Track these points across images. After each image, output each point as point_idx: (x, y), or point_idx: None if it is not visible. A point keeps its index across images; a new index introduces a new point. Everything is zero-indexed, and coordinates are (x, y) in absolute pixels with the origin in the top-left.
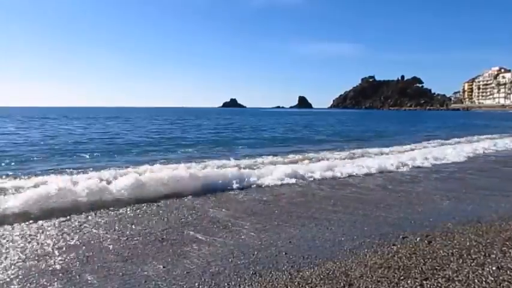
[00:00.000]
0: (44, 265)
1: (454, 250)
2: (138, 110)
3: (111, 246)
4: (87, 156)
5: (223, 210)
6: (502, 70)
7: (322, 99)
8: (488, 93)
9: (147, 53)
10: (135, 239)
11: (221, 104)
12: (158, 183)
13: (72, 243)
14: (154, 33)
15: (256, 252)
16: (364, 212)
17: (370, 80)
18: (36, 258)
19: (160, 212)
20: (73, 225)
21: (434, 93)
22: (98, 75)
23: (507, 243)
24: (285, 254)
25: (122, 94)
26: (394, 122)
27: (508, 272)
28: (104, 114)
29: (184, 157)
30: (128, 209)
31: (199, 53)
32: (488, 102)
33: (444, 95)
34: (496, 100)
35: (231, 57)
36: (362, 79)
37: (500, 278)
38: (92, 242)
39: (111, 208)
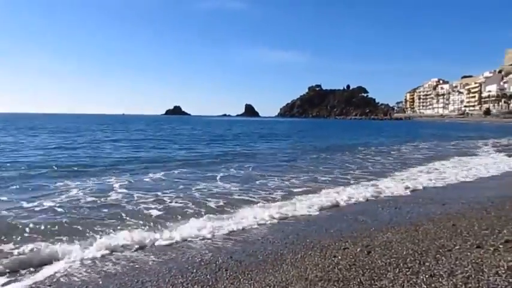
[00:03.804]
0: None
1: (392, 259)
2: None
3: None
4: None
5: None
6: (441, 81)
7: (269, 108)
8: (428, 103)
9: (86, 57)
10: None
11: (164, 112)
12: None
13: None
14: (92, 36)
15: (195, 270)
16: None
17: (317, 88)
18: None
19: None
20: None
21: (378, 103)
22: (39, 81)
23: (440, 250)
24: (225, 270)
25: (63, 99)
26: (362, 132)
27: (440, 279)
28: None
29: None
30: None
31: (139, 57)
32: (428, 111)
33: (388, 104)
34: (436, 110)
35: (174, 62)
36: (309, 88)
37: (433, 285)
38: None
39: None
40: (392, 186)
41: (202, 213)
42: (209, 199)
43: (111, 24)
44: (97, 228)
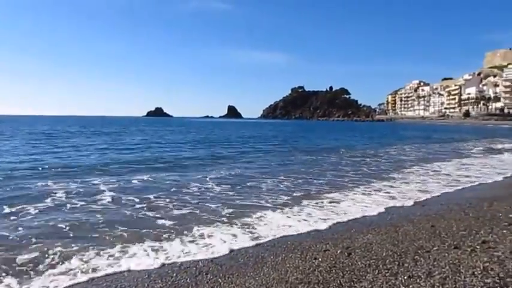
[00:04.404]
0: None
1: (372, 261)
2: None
3: None
4: None
5: None
6: (421, 84)
7: (252, 109)
8: (410, 105)
9: (65, 58)
10: None
11: (145, 113)
12: None
13: None
14: (71, 37)
15: (175, 274)
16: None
17: (300, 90)
18: None
19: None
20: None
21: (360, 104)
22: (13, 82)
23: (419, 251)
24: (206, 274)
25: (38, 101)
26: (346, 134)
27: (418, 280)
28: None
29: None
30: None
31: (120, 58)
32: (409, 113)
33: (370, 106)
34: (417, 112)
35: (156, 63)
36: (292, 89)
37: (411, 286)
38: None
39: None
40: (406, 191)
41: (196, 218)
42: (203, 204)
43: (90, 25)
44: (81, 234)
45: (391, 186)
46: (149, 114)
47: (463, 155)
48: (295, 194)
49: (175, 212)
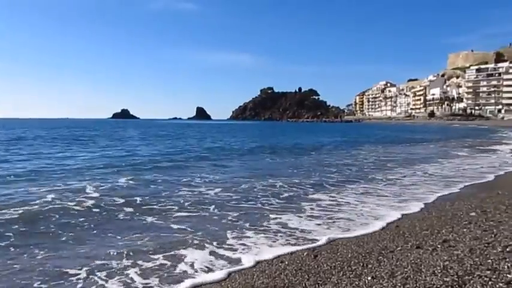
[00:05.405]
0: None
1: (337, 263)
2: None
3: None
4: None
5: None
6: (388, 84)
7: (221, 110)
8: (377, 106)
9: (26, 58)
10: None
11: (111, 115)
12: None
13: None
14: (32, 36)
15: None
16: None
17: (269, 91)
18: None
19: None
20: None
21: (329, 106)
22: None
23: (383, 252)
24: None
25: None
26: (318, 135)
27: (381, 281)
28: None
29: None
30: None
31: (83, 59)
32: (377, 114)
33: (338, 107)
34: (384, 112)
35: (121, 64)
36: (261, 90)
37: (373, 287)
38: None
39: None
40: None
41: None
42: (202, 206)
43: (53, 25)
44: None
45: (381, 189)
46: (115, 116)
47: (448, 155)
48: (287, 195)
49: (175, 215)
